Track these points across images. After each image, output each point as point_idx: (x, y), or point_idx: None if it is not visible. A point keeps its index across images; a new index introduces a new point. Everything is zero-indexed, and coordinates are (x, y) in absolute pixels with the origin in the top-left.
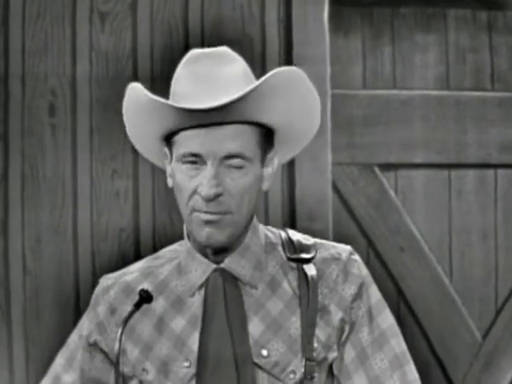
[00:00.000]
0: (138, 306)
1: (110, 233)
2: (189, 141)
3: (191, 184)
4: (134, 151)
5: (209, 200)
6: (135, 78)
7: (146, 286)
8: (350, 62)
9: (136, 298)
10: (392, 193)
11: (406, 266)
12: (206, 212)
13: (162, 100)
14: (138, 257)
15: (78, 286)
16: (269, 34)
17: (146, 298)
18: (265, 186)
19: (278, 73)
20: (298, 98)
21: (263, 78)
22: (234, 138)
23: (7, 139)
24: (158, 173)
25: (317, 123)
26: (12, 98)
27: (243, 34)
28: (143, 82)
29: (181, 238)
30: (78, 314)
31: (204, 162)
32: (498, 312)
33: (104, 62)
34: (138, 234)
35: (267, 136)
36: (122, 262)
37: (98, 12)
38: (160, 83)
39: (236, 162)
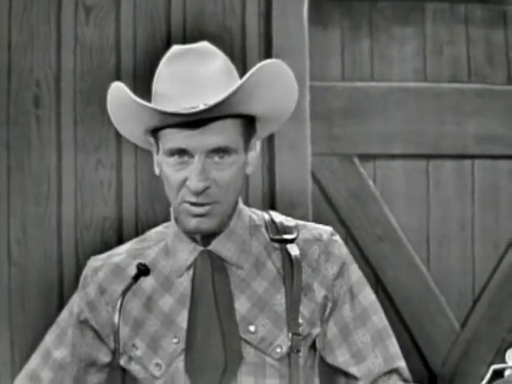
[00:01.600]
0: (136, 278)
1: (94, 222)
2: (175, 137)
3: (179, 176)
4: (118, 142)
5: (197, 193)
6: (118, 71)
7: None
8: (328, 55)
9: (126, 277)
10: (371, 183)
11: (384, 255)
12: (195, 204)
13: (145, 103)
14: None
15: (61, 275)
16: (249, 28)
17: (144, 270)
18: (249, 169)
19: (259, 69)
20: (279, 89)
21: (246, 76)
22: (220, 132)
23: None
24: (141, 163)
25: (294, 104)
26: None
27: (224, 27)
28: (126, 75)
29: None
30: (62, 302)
31: (191, 156)
32: (476, 301)
33: (88, 54)
34: (121, 223)
35: (249, 123)
36: (105, 250)
37: (82, 5)
38: (143, 75)
39: (222, 154)
